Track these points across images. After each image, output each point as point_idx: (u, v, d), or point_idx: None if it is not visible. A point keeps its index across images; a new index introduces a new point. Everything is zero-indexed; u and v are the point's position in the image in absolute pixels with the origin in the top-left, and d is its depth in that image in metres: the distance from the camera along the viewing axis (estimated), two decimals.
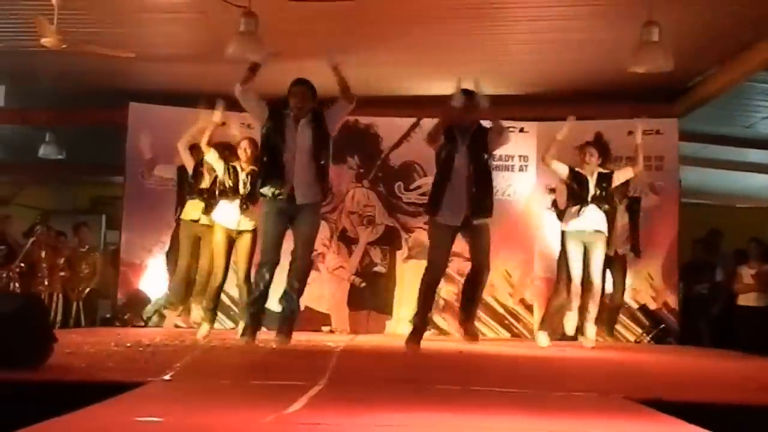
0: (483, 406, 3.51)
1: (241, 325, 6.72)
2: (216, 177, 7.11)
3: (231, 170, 6.92)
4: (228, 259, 6.94)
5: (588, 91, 8.87)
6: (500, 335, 8.81)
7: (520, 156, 8.96)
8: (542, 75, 8.60)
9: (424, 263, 8.72)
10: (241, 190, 6.82)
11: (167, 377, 3.99)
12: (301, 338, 6.39)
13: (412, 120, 9.12)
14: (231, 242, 6.91)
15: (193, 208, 7.39)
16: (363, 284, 9.04)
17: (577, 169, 6.85)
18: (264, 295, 5.80)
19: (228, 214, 6.88)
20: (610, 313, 8.14)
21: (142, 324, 8.78)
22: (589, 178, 6.79)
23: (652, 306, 8.77)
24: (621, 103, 9.06)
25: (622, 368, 5.76)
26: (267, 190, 5.71)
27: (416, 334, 5.98)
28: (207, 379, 4.19)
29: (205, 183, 7.28)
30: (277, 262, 5.78)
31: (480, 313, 8.82)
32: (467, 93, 5.95)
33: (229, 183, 6.90)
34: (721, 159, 11.09)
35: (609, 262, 7.71)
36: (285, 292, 5.88)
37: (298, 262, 5.76)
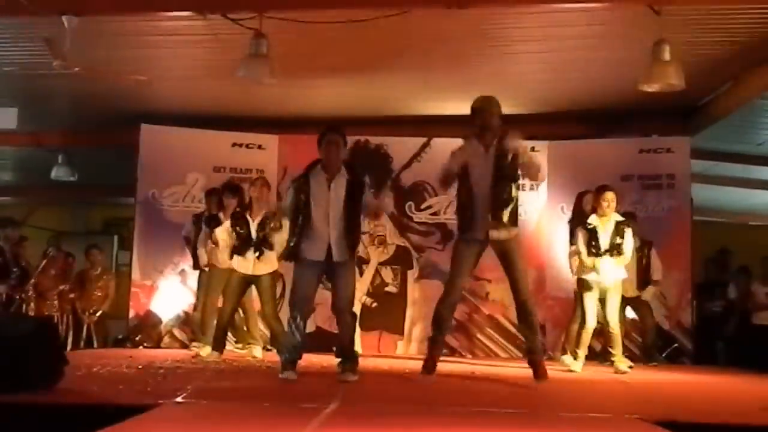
0: (497, 427, 3.48)
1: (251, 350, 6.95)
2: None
3: (239, 221, 7.02)
4: (238, 301, 7.14)
5: (600, 110, 8.86)
6: (513, 355, 8.76)
7: None
8: (553, 94, 8.59)
9: (435, 283, 8.86)
10: (254, 237, 6.95)
11: (179, 399, 3.98)
12: (312, 359, 6.38)
13: (423, 140, 9.13)
14: (246, 285, 7.09)
15: (223, 258, 7.42)
16: (374, 304, 9.02)
17: (588, 224, 6.83)
18: (302, 346, 5.69)
19: (244, 262, 7.03)
20: (644, 349, 8.08)
21: (154, 345, 8.78)
22: (600, 231, 6.77)
23: (666, 325, 8.70)
24: (633, 122, 9.04)
25: (636, 389, 5.72)
26: (303, 250, 5.63)
27: (429, 363, 5.82)
28: (219, 401, 4.17)
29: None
30: (310, 313, 5.74)
31: (492, 332, 8.83)
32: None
33: (242, 232, 7.06)
34: (733, 177, 11.05)
35: (631, 303, 7.70)
36: (342, 356, 5.77)
37: (344, 322, 5.68)
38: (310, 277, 5.60)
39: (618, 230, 6.78)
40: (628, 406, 4.47)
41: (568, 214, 8.04)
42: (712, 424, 3.72)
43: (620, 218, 6.87)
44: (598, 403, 4.73)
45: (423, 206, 9.12)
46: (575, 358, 6.96)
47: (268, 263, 7.01)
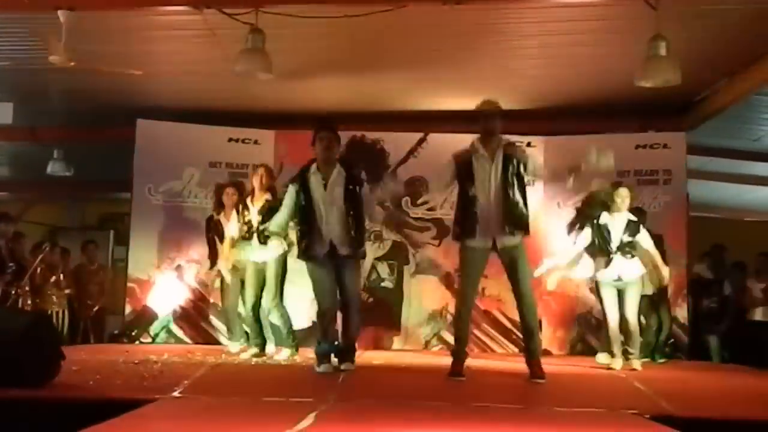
0: (493, 422, 3.49)
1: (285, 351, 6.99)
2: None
3: (242, 211, 7.06)
4: (259, 288, 7.07)
5: (596, 106, 8.86)
6: (509, 351, 8.77)
7: None
8: (550, 89, 8.59)
9: (431, 278, 8.88)
10: (255, 224, 6.94)
11: (176, 394, 3.98)
12: (309, 354, 6.38)
13: (419, 135, 9.13)
14: (261, 273, 7.05)
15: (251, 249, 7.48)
16: (371, 300, 9.02)
17: (599, 221, 6.80)
18: (333, 347, 5.86)
19: (252, 251, 7.03)
20: (657, 343, 8.11)
21: (150, 341, 8.78)
22: (611, 228, 6.74)
23: None
24: (629, 117, 9.05)
25: (632, 384, 5.73)
26: (311, 248, 5.77)
27: (455, 365, 5.83)
28: (215, 396, 4.18)
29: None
30: (335, 308, 5.84)
31: (488, 328, 8.84)
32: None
33: (244, 223, 7.08)
34: (729, 172, 11.06)
35: (652, 300, 7.68)
36: (345, 339, 5.91)
37: (352, 319, 5.88)
38: (322, 270, 5.80)
39: (629, 228, 6.76)
40: (624, 401, 4.48)
41: (565, 210, 8.04)
42: (707, 419, 3.74)
43: (632, 217, 6.81)
44: (594, 398, 4.74)
45: (419, 201, 9.12)
46: (612, 356, 6.91)
47: (272, 248, 6.97)
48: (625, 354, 6.84)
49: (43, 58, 6.70)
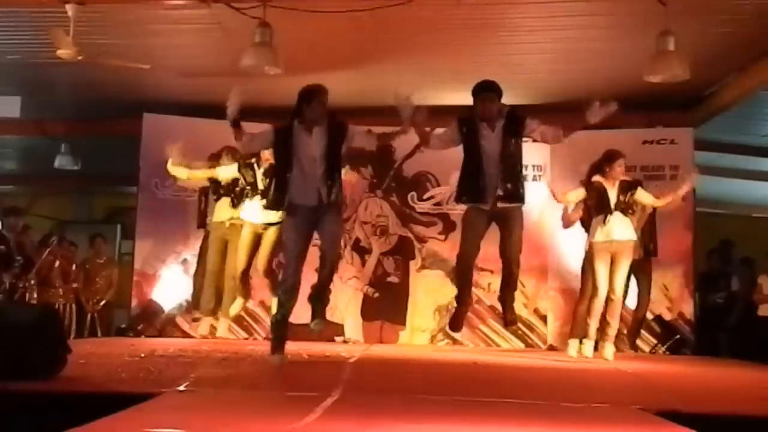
0: (498, 417, 3.49)
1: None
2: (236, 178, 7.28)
3: (246, 167, 7.01)
4: (252, 253, 7.08)
5: (604, 101, 8.83)
6: (514, 346, 8.78)
7: (534, 166, 8.92)
8: (557, 84, 8.57)
9: (437, 273, 8.88)
10: (260, 185, 6.91)
11: (181, 388, 3.99)
12: (314, 349, 6.39)
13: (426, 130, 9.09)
14: (258, 238, 7.03)
15: (221, 210, 7.54)
16: (376, 294, 9.03)
17: (595, 179, 6.81)
18: (286, 319, 5.61)
19: (252, 211, 6.96)
20: (632, 325, 8.09)
21: (156, 334, 8.79)
22: (609, 187, 6.76)
23: (668, 316, 8.70)
24: (637, 113, 9.01)
25: (637, 379, 5.73)
26: (293, 195, 5.61)
27: (457, 317, 5.97)
28: (221, 390, 4.18)
29: (226, 182, 7.44)
30: (298, 284, 5.58)
31: (494, 323, 8.82)
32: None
33: (248, 179, 7.06)
34: (737, 168, 11.03)
35: (634, 268, 7.65)
36: (318, 286, 5.69)
37: (328, 258, 5.64)
38: (304, 227, 5.53)
39: (623, 188, 6.77)
40: (629, 397, 4.48)
41: (572, 206, 8.00)
42: (714, 414, 3.73)
43: (626, 178, 6.88)
44: (599, 393, 4.73)
45: (425, 196, 9.12)
46: (581, 342, 6.88)
47: (274, 212, 6.93)
48: (604, 327, 6.76)
49: (51, 52, 6.71)
